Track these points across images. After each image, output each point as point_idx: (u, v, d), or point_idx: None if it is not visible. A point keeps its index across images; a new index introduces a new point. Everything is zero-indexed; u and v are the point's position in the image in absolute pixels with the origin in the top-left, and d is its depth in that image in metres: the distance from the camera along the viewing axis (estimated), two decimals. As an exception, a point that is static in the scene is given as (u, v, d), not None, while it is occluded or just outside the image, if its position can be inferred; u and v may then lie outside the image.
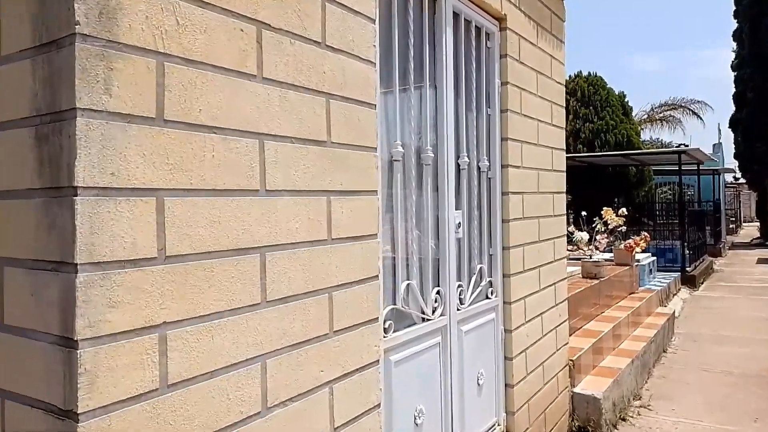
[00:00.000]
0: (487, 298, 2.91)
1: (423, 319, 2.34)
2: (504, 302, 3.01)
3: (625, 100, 16.95)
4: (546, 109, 3.54)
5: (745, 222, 36.19)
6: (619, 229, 6.41)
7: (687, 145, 19.07)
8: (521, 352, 3.13)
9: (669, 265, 11.18)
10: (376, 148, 1.95)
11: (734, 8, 22.11)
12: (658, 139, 27.97)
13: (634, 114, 22.67)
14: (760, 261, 15.67)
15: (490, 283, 2.95)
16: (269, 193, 1.51)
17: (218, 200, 1.37)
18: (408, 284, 2.25)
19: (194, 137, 1.31)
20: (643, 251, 9.65)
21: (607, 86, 16.74)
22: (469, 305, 2.70)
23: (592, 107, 16.30)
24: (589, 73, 17.03)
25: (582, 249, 5.68)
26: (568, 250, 6.23)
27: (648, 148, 19.86)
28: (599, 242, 5.69)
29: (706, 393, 4.84)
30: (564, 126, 3.86)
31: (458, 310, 2.58)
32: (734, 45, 22.60)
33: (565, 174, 3.89)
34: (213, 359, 1.35)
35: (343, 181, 1.79)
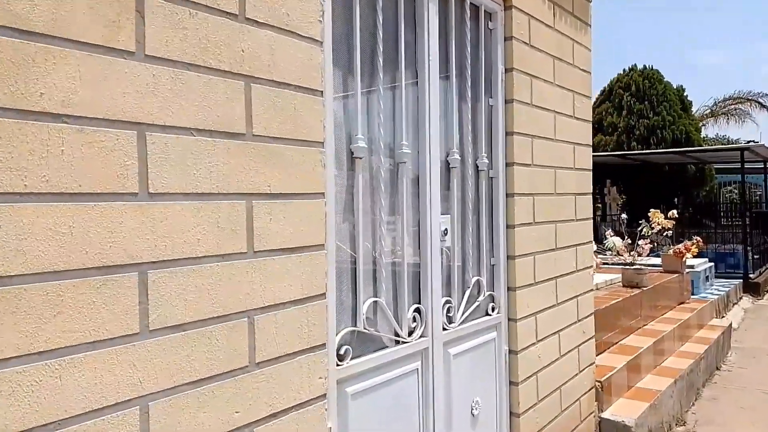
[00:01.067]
0: (487, 314, 2.54)
1: (397, 342, 2.01)
2: (509, 319, 2.64)
3: (684, 94, 15.90)
4: (566, 100, 3.13)
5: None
6: (665, 233, 5.83)
7: (756, 142, 17.73)
8: (531, 376, 2.74)
9: (730, 271, 10.33)
10: (322, 143, 1.64)
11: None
12: (723, 136, 26.29)
13: (694, 109, 21.38)
14: (838, 267, 14.32)
15: (492, 298, 2.58)
16: (153, 197, 1.23)
17: (70, 207, 1.10)
18: (375, 302, 1.93)
19: (31, 128, 1.05)
20: (696, 256, 8.90)
21: (664, 80, 15.74)
22: (461, 324, 2.35)
23: (647, 102, 15.36)
24: (645, 66, 16.07)
25: (622, 255, 5.17)
26: (604, 256, 5.74)
27: (710, 145, 18.63)
28: (642, 247, 5.16)
29: (764, 419, 4.26)
30: (590, 119, 3.43)
31: (445, 329, 2.24)
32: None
33: (591, 173, 3.45)
34: (62, 406, 1.08)
35: (273, 182, 1.50)
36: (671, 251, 6.20)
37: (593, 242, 3.82)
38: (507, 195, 2.65)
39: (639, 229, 6.28)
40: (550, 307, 2.93)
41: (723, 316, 7.88)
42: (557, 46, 3.03)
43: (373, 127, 1.95)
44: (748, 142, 19.71)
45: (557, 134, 3.04)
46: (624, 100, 15.66)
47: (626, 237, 5.28)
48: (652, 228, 6.01)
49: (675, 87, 15.85)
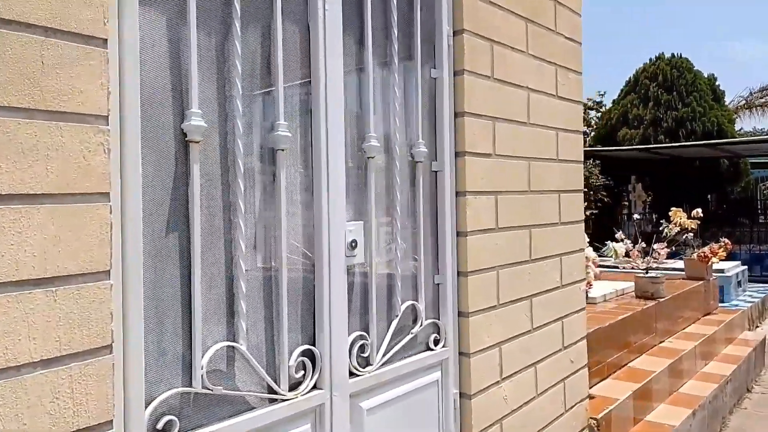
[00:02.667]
0: (428, 349, 1.95)
1: (272, 401, 1.45)
2: (460, 353, 2.04)
3: (716, 83, 14.88)
4: (545, 75, 2.51)
5: None
6: (685, 235, 5.12)
7: (795, 134, 16.54)
8: (492, 426, 2.14)
9: (767, 274, 9.44)
10: (105, 117, 1.09)
11: None
12: (762, 129, 24.87)
13: (728, 100, 20.19)
14: None
15: (435, 327, 1.99)
16: None
17: None
18: (229, 347, 1.37)
19: None
20: (728, 259, 8.08)
21: (694, 69, 14.76)
22: (384, 365, 1.77)
23: (675, 93, 14.41)
24: (673, 54, 15.11)
25: (635, 262, 4.49)
26: (609, 262, 5.06)
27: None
28: (657, 252, 4.48)
29: (803, 461, 3.56)
30: (580, 99, 2.80)
31: (355, 375, 1.66)
32: None
33: (581, 166, 2.83)
34: None
35: (-7, 178, 0.95)
36: (695, 255, 5.48)
37: (588, 248, 3.20)
38: (457, 193, 2.05)
39: (660, 229, 5.57)
40: (521, 335, 2.32)
41: (757, 326, 7.08)
42: (531, 7, 2.42)
43: (221, 99, 1.38)
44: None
45: (532, 117, 2.43)
46: (650, 90, 14.74)
47: (640, 240, 4.60)
48: (671, 229, 5.31)
49: (706, 76, 14.85)
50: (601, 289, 4.60)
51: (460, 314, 2.04)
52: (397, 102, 1.88)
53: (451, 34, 2.04)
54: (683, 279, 5.54)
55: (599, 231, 10.53)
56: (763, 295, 8.00)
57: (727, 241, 5.59)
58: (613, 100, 15.93)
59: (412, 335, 1.90)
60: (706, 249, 5.45)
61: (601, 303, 4.35)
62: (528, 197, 2.39)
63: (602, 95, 18.46)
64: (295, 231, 1.54)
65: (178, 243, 1.28)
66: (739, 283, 7.64)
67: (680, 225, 5.58)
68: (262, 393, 1.44)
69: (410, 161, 1.94)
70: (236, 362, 1.39)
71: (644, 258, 4.53)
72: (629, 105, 14.96)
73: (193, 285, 1.29)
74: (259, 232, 1.45)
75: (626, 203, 14.00)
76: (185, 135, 1.29)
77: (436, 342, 1.97)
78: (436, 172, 2.02)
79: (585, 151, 14.37)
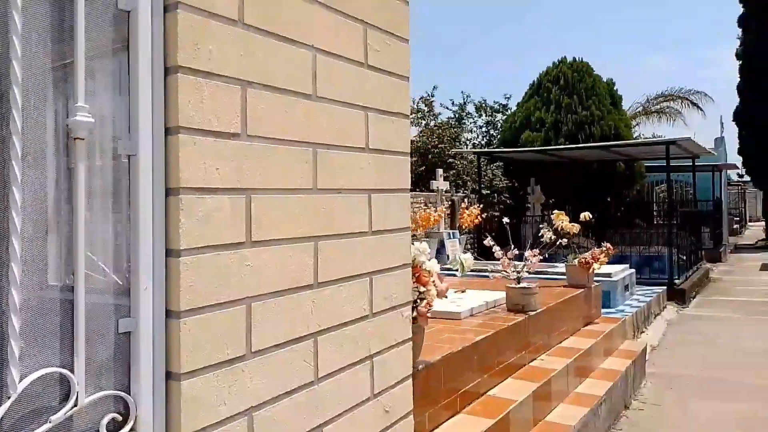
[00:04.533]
0: (106, 433, 1.25)
1: None
2: (171, 433, 1.35)
3: (614, 88, 15.23)
4: (347, 35, 1.88)
5: (750, 222, 34.38)
6: (561, 240, 4.73)
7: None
8: None
9: (656, 276, 9.52)
10: None
11: (740, -7, 20.31)
12: (660, 136, 26.21)
13: (628, 106, 20.97)
14: (765, 267, 13.94)
15: (116, 403, 1.29)
16: None
17: None
18: None
19: None
20: (617, 262, 7.97)
21: (594, 73, 15.03)
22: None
23: (576, 96, 14.59)
24: (574, 58, 15.33)
25: (506, 271, 4.02)
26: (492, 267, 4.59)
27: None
28: (529, 260, 4.03)
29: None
30: (406, 75, 2.20)
31: None
32: (739, 32, 20.80)
33: (408, 159, 2.23)
34: None
35: None
36: (576, 261, 5.13)
37: (432, 261, 2.62)
38: (168, 191, 1.37)
39: (539, 234, 5.19)
40: (297, 390, 1.67)
41: (642, 332, 6.94)
42: (322, -60, 1.78)
43: None
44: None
45: (323, 89, 1.79)
46: (552, 94, 14.86)
47: (512, 246, 4.13)
48: (550, 232, 4.93)
49: (605, 81, 15.16)
50: (469, 302, 4.09)
51: (169, 376, 1.35)
52: (35, 43, 1.16)
53: (159, -49, 1.35)
54: (564, 287, 5.18)
55: (504, 234, 10.32)
56: (650, 298, 7.95)
57: (609, 246, 5.29)
58: (518, 103, 15.97)
59: (69, 414, 1.18)
60: (587, 254, 5.12)
61: (467, 318, 3.83)
62: (313, 199, 1.75)
63: (508, 98, 18.58)
64: None
65: None
66: (626, 287, 7.51)
67: (561, 229, 5.23)
68: None
69: (64, 138, 1.22)
70: None
71: (520, 268, 4.06)
72: (532, 108, 15.01)
73: None
74: None
75: (529, 206, 13.97)
76: None
77: (119, 426, 1.26)
78: (130, 157, 1.32)
79: (483, 152, 14.26)
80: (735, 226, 25.76)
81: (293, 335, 1.67)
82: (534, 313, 4.00)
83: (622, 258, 10.11)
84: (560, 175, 14.58)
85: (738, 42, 20.68)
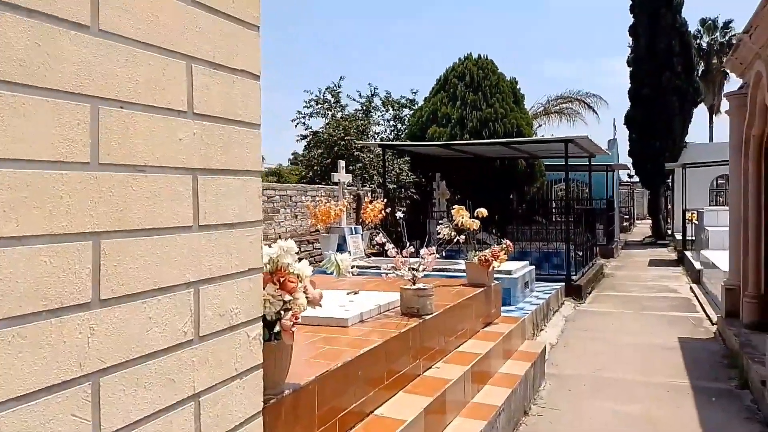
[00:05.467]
0: None
1: None
2: None
3: (517, 86, 15.49)
4: (156, -49, 1.34)
5: (638, 219, 36.93)
6: (458, 236, 4.42)
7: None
8: None
9: (554, 272, 9.62)
10: None
11: (630, 3, 21.49)
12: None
13: (530, 106, 21.64)
14: (652, 263, 14.76)
15: None
16: None
17: None
18: None
19: None
20: (517, 258, 7.91)
21: (498, 71, 15.20)
22: None
23: (481, 93, 14.67)
24: (479, 55, 15.43)
25: (400, 271, 3.63)
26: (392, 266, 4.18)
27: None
28: (425, 258, 3.66)
29: None
30: (256, 22, 1.69)
31: None
32: (630, 40, 22.04)
33: (258, 132, 1.73)
34: None
35: None
36: (476, 259, 4.85)
37: (303, 262, 2.14)
38: None
39: (437, 230, 4.86)
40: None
41: (542, 330, 6.87)
42: None
43: None
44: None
45: (112, 20, 1.24)
46: (458, 90, 14.85)
47: (407, 243, 3.73)
48: (449, 228, 4.61)
49: (509, 79, 15.38)
50: (359, 305, 3.65)
51: None
52: None
53: None
54: (463, 285, 4.89)
55: (410, 229, 10.05)
56: (549, 295, 7.96)
57: (509, 243, 5.07)
58: (425, 98, 15.86)
59: None
60: (487, 252, 4.85)
61: (356, 325, 3.38)
62: (94, 178, 1.20)
63: (415, 93, 18.47)
64: None
65: None
66: (526, 284, 7.43)
67: (461, 224, 4.94)
68: None
69: None
70: None
71: (415, 267, 3.67)
72: (439, 103, 14.93)
73: None
74: None
75: (435, 201, 13.86)
76: None
77: None
78: None
79: (387, 145, 13.96)
80: (625, 224, 27.46)
81: (53, 379, 1.12)
82: (429, 316, 3.63)
83: (523, 254, 10.18)
84: (466, 171, 14.63)
85: (629, 50, 21.90)
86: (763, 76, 4.94)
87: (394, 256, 3.67)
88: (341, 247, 7.73)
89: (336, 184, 8.30)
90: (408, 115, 17.70)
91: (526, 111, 15.94)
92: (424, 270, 3.73)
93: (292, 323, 2.03)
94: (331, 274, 2.22)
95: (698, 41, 33.63)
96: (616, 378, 5.11)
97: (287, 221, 9.74)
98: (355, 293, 4.18)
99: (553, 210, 17.39)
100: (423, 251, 3.71)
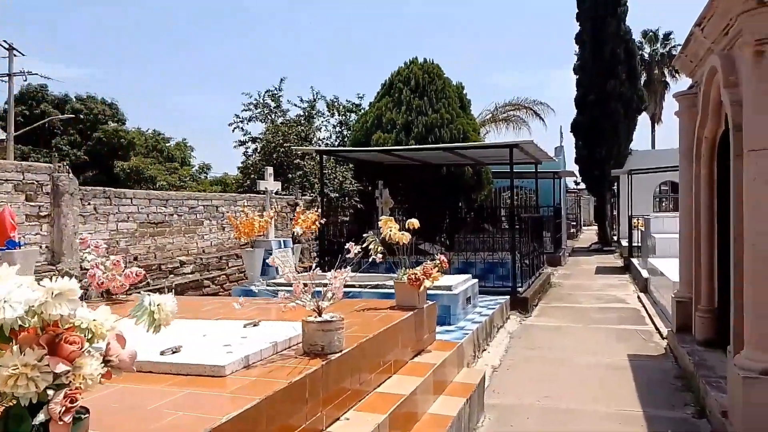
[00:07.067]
0: None
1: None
2: None
3: (464, 92, 15.08)
4: None
5: (585, 226, 37.41)
6: (373, 255, 3.76)
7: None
8: None
9: (499, 284, 9.12)
10: None
11: (577, 11, 21.60)
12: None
13: (477, 114, 21.39)
14: (599, 271, 14.58)
15: None
16: None
17: None
18: None
19: None
20: (462, 271, 7.35)
21: (444, 75, 14.75)
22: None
23: (426, 98, 14.17)
24: (425, 59, 14.95)
25: (300, 300, 2.94)
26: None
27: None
28: (332, 282, 2.99)
29: None
30: None
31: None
32: (576, 48, 22.13)
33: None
34: None
35: None
36: (405, 278, 4.21)
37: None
38: None
39: (362, 244, 4.19)
40: None
41: (484, 350, 6.29)
42: None
43: None
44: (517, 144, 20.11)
45: None
46: (404, 94, 14.30)
47: (315, 261, 3.05)
48: (375, 244, 3.97)
49: (455, 84, 14.96)
50: (248, 345, 2.94)
51: None
52: None
53: None
54: (391, 309, 4.24)
55: (356, 240, 9.41)
56: (495, 308, 7.42)
57: (443, 258, 4.45)
58: (370, 103, 15.25)
59: None
60: (418, 270, 4.22)
61: (237, 373, 2.66)
62: None
63: (361, 98, 17.86)
64: None
65: None
66: (468, 300, 6.86)
67: (388, 238, 4.30)
68: None
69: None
70: None
71: (314, 294, 2.99)
72: (384, 108, 14.34)
73: None
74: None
75: (379, 209, 13.23)
76: None
77: None
78: None
79: (324, 151, 13.24)
80: (572, 230, 27.59)
81: None
82: (338, 355, 2.94)
83: (468, 265, 9.66)
84: (412, 178, 14.08)
85: (576, 58, 21.99)
86: (718, 70, 4.51)
87: (292, 283, 2.97)
88: (267, 263, 6.96)
89: (263, 192, 7.54)
90: (354, 121, 17.06)
91: (473, 117, 15.56)
92: (333, 297, 3.05)
93: (63, 408, 1.31)
94: (147, 326, 1.50)
95: (641, 52, 34.44)
96: (564, 408, 4.56)
97: (212, 234, 8.89)
98: (255, 325, 3.47)
99: (502, 218, 17.09)
100: (330, 275, 3.03)
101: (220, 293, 8.65)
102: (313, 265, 3.39)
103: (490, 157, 12.60)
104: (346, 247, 3.29)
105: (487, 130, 24.61)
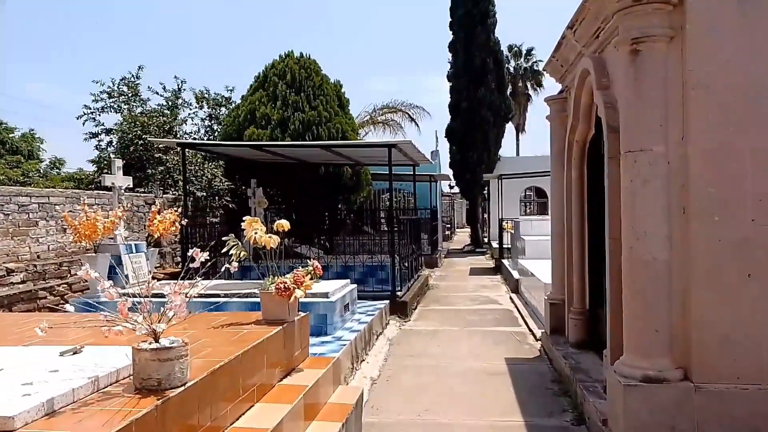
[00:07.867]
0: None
1: None
2: None
3: (342, 90, 14.72)
4: None
5: (458, 228, 38.89)
6: (235, 262, 3.19)
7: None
8: None
9: (379, 288, 8.83)
10: None
11: (449, 20, 22.20)
12: (384, 146, 27.43)
13: (356, 114, 21.21)
14: (473, 272, 14.93)
15: None
16: None
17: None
18: None
19: None
20: (341, 276, 6.93)
21: (322, 72, 14.28)
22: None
23: (303, 94, 13.60)
24: (302, 54, 14.38)
25: (134, 322, 2.31)
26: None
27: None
28: (172, 299, 2.39)
29: None
30: None
31: None
32: (450, 56, 22.74)
33: None
34: None
35: None
36: (273, 288, 3.66)
37: None
38: None
39: (191, 254, 3.50)
40: None
41: (363, 361, 5.89)
42: None
43: None
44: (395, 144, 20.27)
45: None
46: (279, 89, 13.60)
47: (149, 270, 2.41)
48: (236, 249, 3.38)
49: (333, 82, 14.54)
50: (56, 384, 2.23)
51: None
52: None
53: None
54: (256, 324, 3.67)
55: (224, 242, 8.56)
56: (374, 314, 7.07)
57: (317, 264, 3.95)
58: (243, 96, 14.34)
59: None
60: (288, 277, 3.69)
61: (33, 426, 1.96)
62: None
63: (231, 90, 16.83)
64: None
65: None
66: (346, 307, 6.43)
67: (253, 242, 3.72)
68: None
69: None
70: None
71: (155, 318, 2.36)
72: (258, 102, 13.53)
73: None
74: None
75: (252, 209, 12.44)
76: None
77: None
78: None
79: (187, 144, 12.09)
80: (447, 233, 28.44)
81: None
82: (179, 390, 2.33)
83: (347, 269, 9.28)
84: (288, 178, 13.43)
85: (449, 65, 22.60)
86: (590, 73, 4.50)
87: (114, 298, 2.31)
88: (114, 271, 6.01)
89: (109, 189, 6.53)
90: (224, 114, 15.99)
91: (352, 116, 15.23)
92: (175, 316, 2.43)
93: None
94: None
95: (507, 65, 36.58)
96: (445, 423, 4.27)
97: (51, 236, 7.62)
98: (76, 352, 2.73)
99: (382, 220, 16.96)
100: (168, 288, 2.41)
101: (61, 306, 7.43)
102: (158, 276, 2.73)
103: (368, 157, 12.35)
104: (189, 254, 2.67)
105: (366, 131, 24.58)
